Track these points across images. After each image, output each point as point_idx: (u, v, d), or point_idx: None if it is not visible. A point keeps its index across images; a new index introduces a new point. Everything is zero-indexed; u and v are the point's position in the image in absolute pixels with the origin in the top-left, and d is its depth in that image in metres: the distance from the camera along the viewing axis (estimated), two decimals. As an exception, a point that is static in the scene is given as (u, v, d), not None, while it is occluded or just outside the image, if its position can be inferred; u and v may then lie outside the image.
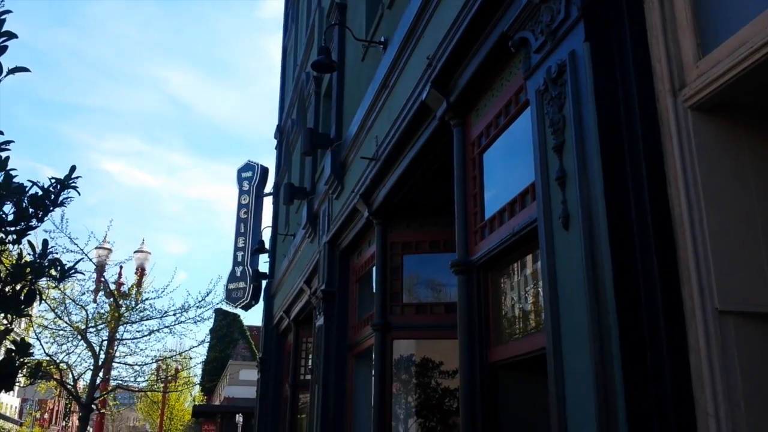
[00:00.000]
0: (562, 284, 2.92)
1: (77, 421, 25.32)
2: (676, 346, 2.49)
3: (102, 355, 16.35)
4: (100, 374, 16.37)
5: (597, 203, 2.70)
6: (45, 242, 3.53)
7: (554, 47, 3.05)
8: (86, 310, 16.56)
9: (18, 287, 3.38)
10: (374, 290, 6.85)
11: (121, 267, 17.54)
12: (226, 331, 37.65)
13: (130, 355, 18.00)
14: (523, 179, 3.73)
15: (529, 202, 3.64)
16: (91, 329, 16.64)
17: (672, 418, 2.41)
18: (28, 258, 3.51)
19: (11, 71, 2.90)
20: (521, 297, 4.08)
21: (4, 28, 2.81)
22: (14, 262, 3.47)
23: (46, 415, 56.45)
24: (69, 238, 17.01)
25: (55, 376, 16.12)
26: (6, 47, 2.84)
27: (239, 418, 29.05)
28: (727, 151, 2.61)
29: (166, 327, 17.75)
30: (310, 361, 9.97)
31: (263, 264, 15.95)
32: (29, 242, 3.54)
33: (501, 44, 3.78)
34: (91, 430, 25.41)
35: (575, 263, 2.80)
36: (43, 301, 3.79)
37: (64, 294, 16.37)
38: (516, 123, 3.94)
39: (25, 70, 2.95)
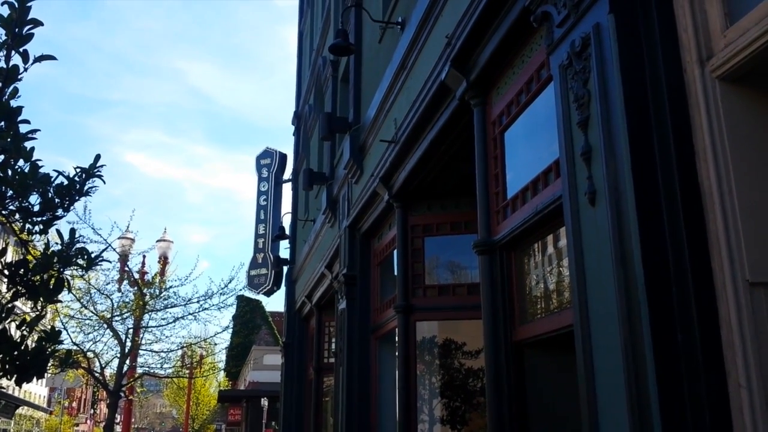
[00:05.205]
0: (589, 260, 2.91)
1: (105, 408, 25.76)
2: (707, 318, 2.47)
3: (128, 343, 16.62)
4: (127, 362, 16.66)
5: (624, 178, 2.68)
6: (72, 231, 3.56)
7: (578, 20, 3.01)
8: (111, 299, 16.84)
9: (45, 277, 3.42)
10: (396, 273, 6.87)
11: (144, 256, 17.77)
12: (249, 317, 38.02)
13: (156, 342, 18.31)
14: (546, 157, 3.70)
15: (552, 180, 3.61)
16: (116, 318, 16.92)
17: (704, 391, 2.40)
18: (55, 248, 3.55)
19: (38, 59, 2.93)
20: (546, 275, 4.06)
21: (30, 16, 2.84)
22: (41, 252, 3.51)
23: (74, 404, 57.50)
24: (92, 228, 17.31)
25: (82, 365, 16.41)
26: (32, 35, 2.87)
27: (264, 401, 29.39)
28: (757, 121, 2.57)
29: (191, 314, 18.02)
30: (333, 345, 10.04)
31: (284, 250, 16.05)
32: (57, 231, 3.58)
33: (522, 20, 3.74)
34: (119, 416, 25.88)
35: (602, 239, 2.78)
36: (69, 291, 3.85)
37: (89, 284, 16.64)
38: (538, 100, 3.90)
39: (51, 58, 2.98)
